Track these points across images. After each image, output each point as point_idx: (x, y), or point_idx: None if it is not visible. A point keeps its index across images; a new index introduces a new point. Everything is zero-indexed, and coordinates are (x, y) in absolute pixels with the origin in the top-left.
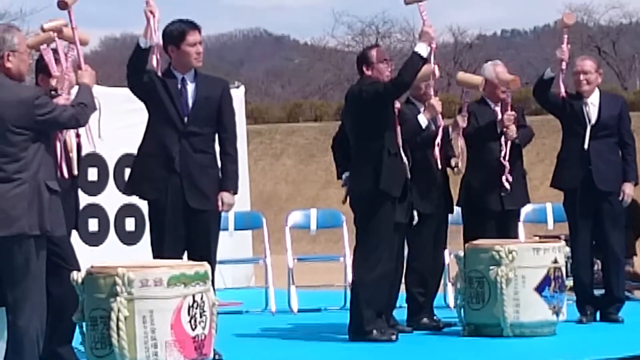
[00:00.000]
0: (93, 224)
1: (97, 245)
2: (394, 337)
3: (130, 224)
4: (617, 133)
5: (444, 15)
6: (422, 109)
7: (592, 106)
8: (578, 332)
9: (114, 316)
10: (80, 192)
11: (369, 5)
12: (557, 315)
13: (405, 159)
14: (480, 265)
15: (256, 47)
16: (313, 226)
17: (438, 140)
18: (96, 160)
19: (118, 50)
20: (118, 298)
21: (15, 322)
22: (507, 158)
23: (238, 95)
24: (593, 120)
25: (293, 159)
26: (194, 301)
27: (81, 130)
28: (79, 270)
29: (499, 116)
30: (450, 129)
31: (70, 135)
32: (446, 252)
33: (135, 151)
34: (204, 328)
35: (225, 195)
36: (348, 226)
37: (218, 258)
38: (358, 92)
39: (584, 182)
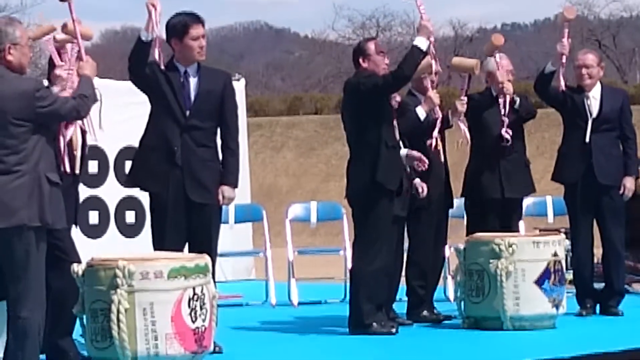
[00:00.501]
0: (94, 217)
1: (97, 238)
2: (394, 330)
3: (130, 216)
4: (618, 127)
5: (445, 9)
6: (423, 101)
7: (594, 99)
8: (578, 325)
9: (114, 308)
10: (80, 185)
11: None
12: (557, 308)
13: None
14: (480, 258)
15: (257, 40)
16: (313, 219)
17: (437, 132)
18: (97, 153)
19: (119, 43)
20: (118, 290)
21: (17, 315)
22: (506, 114)
23: (239, 88)
24: (594, 114)
25: (293, 152)
26: (194, 293)
27: (85, 124)
28: (79, 262)
29: (502, 106)
30: (450, 116)
31: (77, 132)
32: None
33: (136, 144)
34: (204, 320)
35: (225, 189)
36: (348, 219)
37: (218, 250)
38: (356, 84)
39: (585, 176)
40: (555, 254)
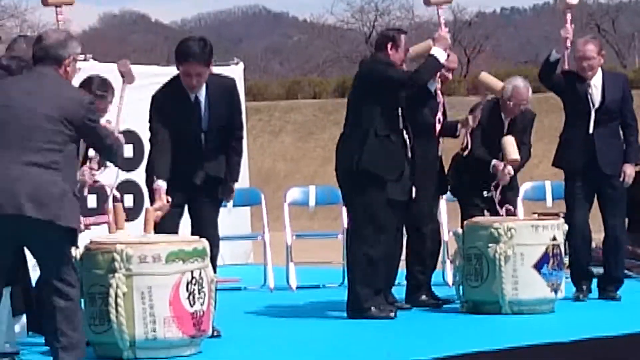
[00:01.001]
0: (128, 200)
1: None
2: (392, 314)
3: (128, 200)
4: (619, 115)
5: None
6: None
7: (595, 88)
8: (576, 309)
9: (112, 292)
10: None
11: None
12: (556, 292)
13: (408, 140)
14: (479, 242)
15: (255, 24)
16: (312, 203)
17: (440, 115)
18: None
19: (117, 26)
20: (116, 274)
21: (66, 296)
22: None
23: (237, 72)
24: (597, 104)
25: (292, 136)
26: (193, 277)
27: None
28: None
29: (506, 128)
30: (459, 125)
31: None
32: (445, 229)
33: (134, 128)
34: (202, 304)
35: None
36: None
37: None
38: (370, 70)
39: (587, 165)
40: (554, 238)
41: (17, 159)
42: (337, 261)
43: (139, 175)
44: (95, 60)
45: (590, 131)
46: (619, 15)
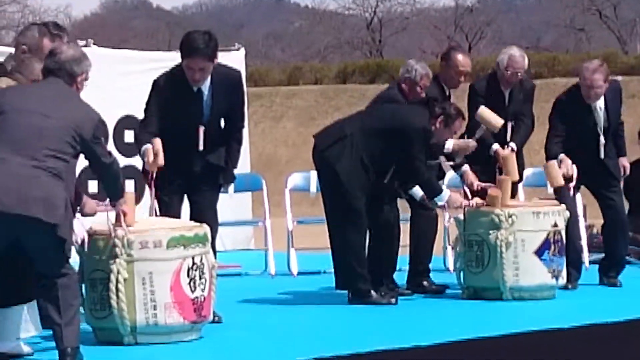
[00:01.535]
0: (130, 185)
1: None
2: (393, 300)
3: (129, 185)
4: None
5: None
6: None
7: (600, 111)
8: (577, 295)
9: (113, 278)
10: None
11: None
12: (557, 279)
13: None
14: (480, 229)
15: (256, 9)
16: (313, 189)
17: None
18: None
19: (118, 12)
20: (117, 260)
21: (63, 274)
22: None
23: (238, 58)
24: (603, 127)
25: (293, 122)
26: (194, 263)
27: None
28: None
29: (507, 100)
30: (452, 147)
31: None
32: (446, 215)
33: (134, 112)
34: (203, 290)
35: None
36: None
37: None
38: (409, 130)
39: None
40: (555, 225)
41: (28, 162)
42: None
43: (139, 161)
44: (96, 45)
45: (602, 156)
46: (621, 1)
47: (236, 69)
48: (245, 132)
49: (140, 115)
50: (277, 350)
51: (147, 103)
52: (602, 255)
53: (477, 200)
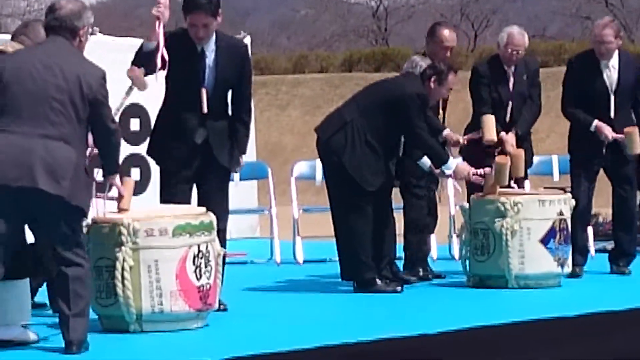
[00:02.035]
0: (135, 174)
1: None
2: (399, 288)
3: (135, 174)
4: (631, 99)
5: None
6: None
7: (613, 70)
8: (583, 284)
9: (119, 266)
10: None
11: None
12: (562, 267)
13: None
14: (486, 217)
15: None
16: (318, 177)
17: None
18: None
19: (124, 1)
20: (123, 248)
21: (78, 265)
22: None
23: None
24: (613, 87)
25: (299, 110)
26: (199, 251)
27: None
28: None
29: (511, 80)
30: (448, 138)
31: None
32: (452, 202)
33: (139, 101)
34: (209, 278)
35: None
36: None
37: None
38: (402, 95)
39: (606, 148)
40: (560, 213)
41: (31, 131)
42: None
43: (145, 149)
44: (102, 33)
45: (612, 116)
46: None
47: (243, 42)
48: (252, 120)
49: (145, 103)
50: (283, 339)
51: None
52: (606, 243)
53: (485, 169)
